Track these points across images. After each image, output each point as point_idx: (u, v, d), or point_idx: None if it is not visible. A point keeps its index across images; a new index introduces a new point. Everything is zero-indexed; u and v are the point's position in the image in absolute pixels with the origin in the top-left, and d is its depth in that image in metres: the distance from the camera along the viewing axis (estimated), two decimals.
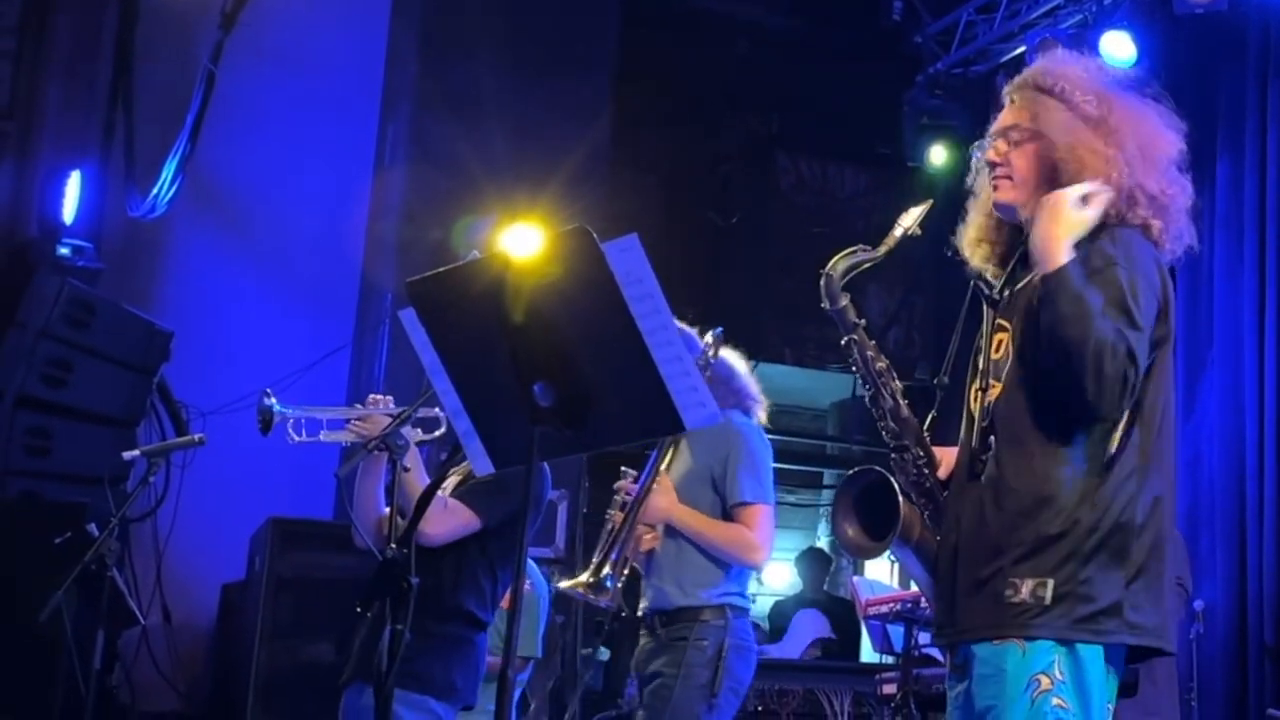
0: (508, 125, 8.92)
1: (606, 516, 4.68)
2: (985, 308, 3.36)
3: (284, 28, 8.73)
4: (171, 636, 7.70)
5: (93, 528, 5.45)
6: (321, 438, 4.45)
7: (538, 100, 9.04)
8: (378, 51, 9.10)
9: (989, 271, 3.40)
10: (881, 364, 3.36)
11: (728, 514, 4.72)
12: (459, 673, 4.32)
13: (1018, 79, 3.41)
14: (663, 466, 4.71)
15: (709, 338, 4.80)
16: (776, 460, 4.96)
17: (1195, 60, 8.24)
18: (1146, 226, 3.21)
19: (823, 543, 13.54)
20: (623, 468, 4.75)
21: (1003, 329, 3.27)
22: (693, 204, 11.72)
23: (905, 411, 3.35)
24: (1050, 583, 3.03)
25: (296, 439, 4.37)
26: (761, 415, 4.93)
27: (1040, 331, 3.06)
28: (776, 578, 12.39)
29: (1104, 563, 3.05)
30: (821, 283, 3.36)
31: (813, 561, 10.87)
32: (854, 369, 3.38)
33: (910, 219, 3.40)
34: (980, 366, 3.30)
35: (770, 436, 4.91)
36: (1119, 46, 8.04)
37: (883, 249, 3.38)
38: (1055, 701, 3.02)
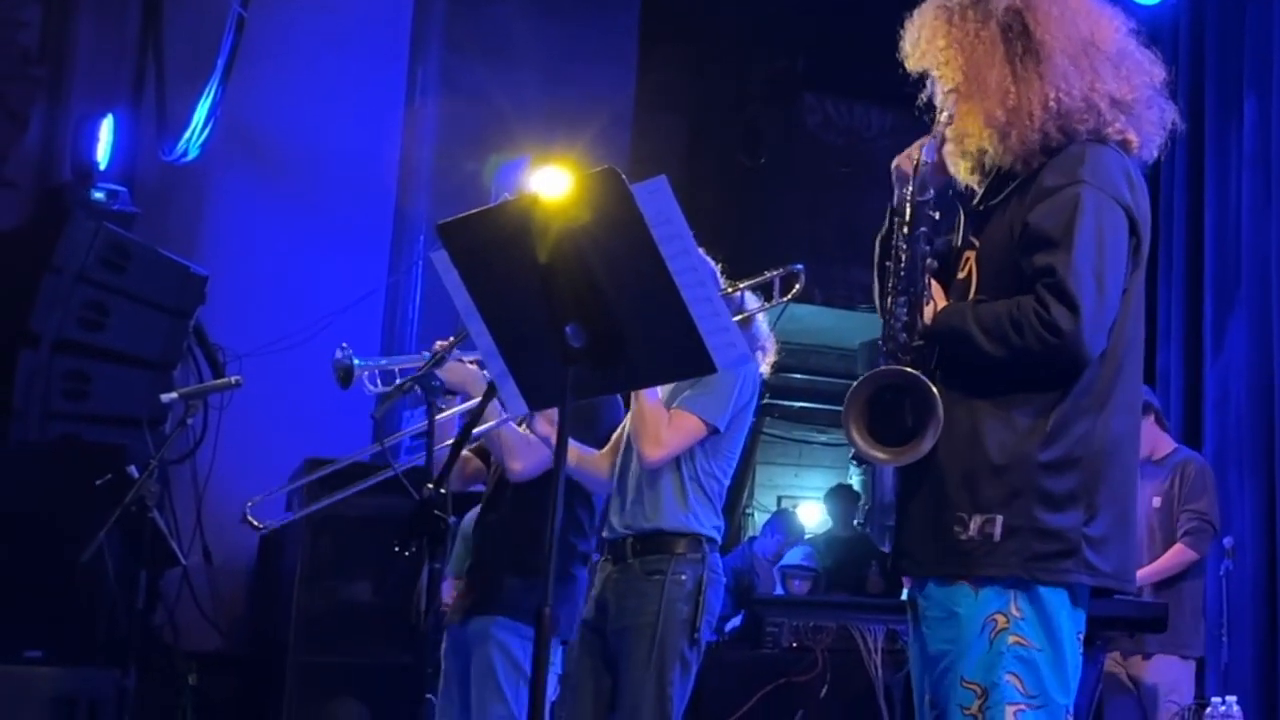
0: (535, 67, 8.91)
1: None
2: (961, 214, 3.22)
3: None
4: (212, 577, 7.77)
5: (133, 469, 5.51)
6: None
7: (564, 42, 9.03)
8: None
9: (974, 181, 3.18)
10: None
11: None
12: (561, 606, 4.38)
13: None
14: None
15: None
16: (805, 400, 4.93)
17: None
18: (1125, 142, 3.06)
19: (854, 480, 13.58)
20: None
21: (971, 246, 3.14)
22: (720, 145, 11.69)
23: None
24: (999, 519, 2.91)
25: (372, 390, 4.44)
26: (765, 365, 4.64)
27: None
28: (809, 516, 12.43)
29: (1060, 499, 2.92)
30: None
31: (841, 498, 10.90)
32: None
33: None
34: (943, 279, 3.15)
35: (799, 376, 4.81)
36: None
37: None
38: (1013, 639, 2.90)
